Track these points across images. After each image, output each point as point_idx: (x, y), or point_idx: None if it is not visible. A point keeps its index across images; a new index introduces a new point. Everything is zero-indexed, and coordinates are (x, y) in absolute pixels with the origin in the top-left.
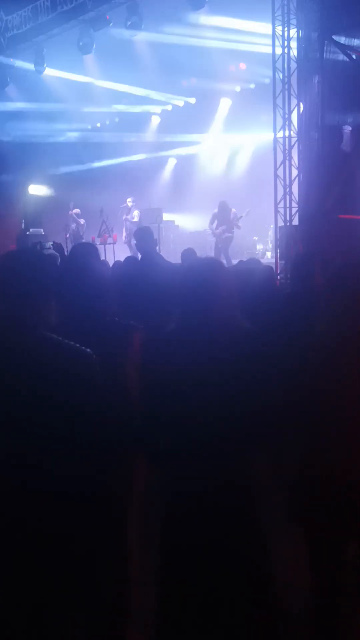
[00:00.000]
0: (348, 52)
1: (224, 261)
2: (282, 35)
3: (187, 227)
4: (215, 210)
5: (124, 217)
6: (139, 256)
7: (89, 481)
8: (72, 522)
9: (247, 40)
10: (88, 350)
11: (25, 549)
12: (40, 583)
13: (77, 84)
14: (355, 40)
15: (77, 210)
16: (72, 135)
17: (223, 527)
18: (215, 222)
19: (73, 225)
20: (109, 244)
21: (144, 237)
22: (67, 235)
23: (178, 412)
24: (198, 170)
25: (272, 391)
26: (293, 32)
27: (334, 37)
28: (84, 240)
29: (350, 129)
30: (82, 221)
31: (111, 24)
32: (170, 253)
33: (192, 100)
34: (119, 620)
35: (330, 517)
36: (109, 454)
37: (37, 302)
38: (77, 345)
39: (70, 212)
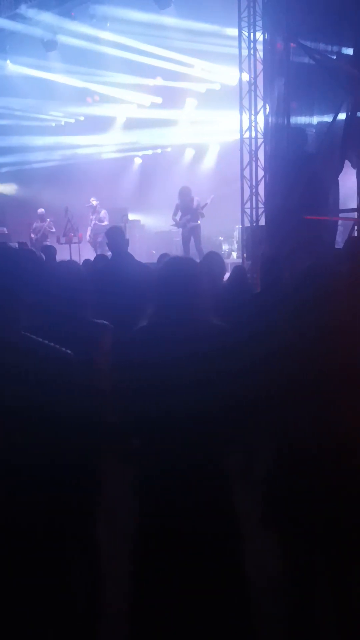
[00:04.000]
0: (313, 55)
1: (196, 253)
2: (248, 37)
3: (153, 227)
4: (177, 201)
5: (92, 217)
6: (109, 255)
7: (63, 480)
8: (43, 520)
9: (213, 42)
10: (68, 351)
11: None
12: (10, 584)
13: (41, 82)
14: (320, 43)
15: (41, 210)
16: (37, 134)
17: (197, 525)
18: (179, 213)
19: (38, 225)
20: (75, 243)
21: (115, 236)
22: (33, 235)
23: (150, 409)
24: (164, 170)
25: (244, 388)
26: (259, 34)
27: (299, 40)
28: (48, 240)
29: (315, 131)
30: (48, 221)
31: (76, 21)
32: (136, 253)
33: (159, 100)
34: (91, 620)
35: (303, 516)
36: (84, 453)
37: (17, 300)
38: (57, 346)
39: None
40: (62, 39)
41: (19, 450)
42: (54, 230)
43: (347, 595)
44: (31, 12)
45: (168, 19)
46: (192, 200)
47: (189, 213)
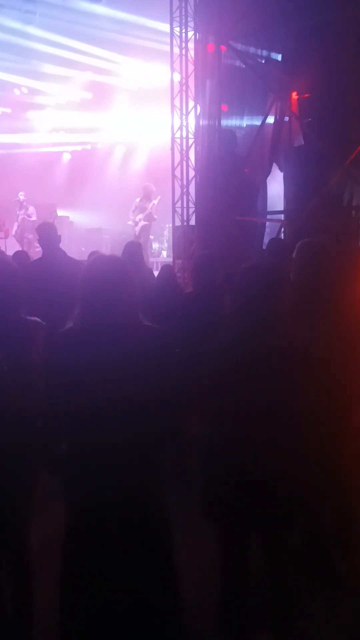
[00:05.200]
0: (243, 58)
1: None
2: (180, 37)
3: (82, 224)
4: (138, 198)
5: (20, 213)
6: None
7: None
8: None
9: (146, 38)
10: None
11: None
12: None
13: None
14: (251, 47)
15: None
16: None
17: (127, 527)
18: (137, 210)
19: None
20: (0, 238)
21: (47, 232)
22: None
23: (78, 412)
24: (93, 167)
25: (174, 388)
26: (191, 33)
27: (230, 42)
28: None
29: (244, 133)
30: None
31: (4, 10)
32: (65, 250)
33: (89, 96)
34: (22, 628)
35: (239, 511)
36: (12, 456)
37: None
38: None
39: None
40: None
41: None
42: None
43: (280, 581)
44: None
45: (98, 13)
46: (150, 199)
47: (142, 212)
